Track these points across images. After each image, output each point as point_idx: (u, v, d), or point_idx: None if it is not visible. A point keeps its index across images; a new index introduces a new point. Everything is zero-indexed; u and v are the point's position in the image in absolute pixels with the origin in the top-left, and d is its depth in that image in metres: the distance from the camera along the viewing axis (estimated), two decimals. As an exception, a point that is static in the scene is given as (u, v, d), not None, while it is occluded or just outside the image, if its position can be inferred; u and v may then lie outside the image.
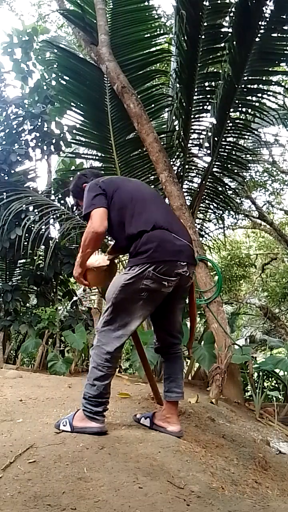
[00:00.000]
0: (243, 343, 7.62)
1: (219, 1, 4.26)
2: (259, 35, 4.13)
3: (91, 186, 2.30)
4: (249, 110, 4.88)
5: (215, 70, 4.82)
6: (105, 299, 2.18)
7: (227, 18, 4.27)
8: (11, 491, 1.44)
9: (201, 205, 5.43)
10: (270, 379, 6.14)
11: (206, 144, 4.92)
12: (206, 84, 4.77)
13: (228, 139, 5.08)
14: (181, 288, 2.19)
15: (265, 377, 5.48)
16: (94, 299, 7.20)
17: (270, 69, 4.80)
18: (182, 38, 4.24)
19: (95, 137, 5.39)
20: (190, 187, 5.61)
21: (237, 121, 5.09)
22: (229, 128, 4.93)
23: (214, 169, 5.17)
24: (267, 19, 4.07)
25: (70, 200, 5.71)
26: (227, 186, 5.58)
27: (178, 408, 2.56)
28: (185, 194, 5.05)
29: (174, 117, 5.19)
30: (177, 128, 5.09)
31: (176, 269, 2.08)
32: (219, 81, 4.50)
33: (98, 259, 2.37)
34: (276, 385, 5.95)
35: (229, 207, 5.67)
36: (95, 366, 2.06)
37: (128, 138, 5.19)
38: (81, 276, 2.34)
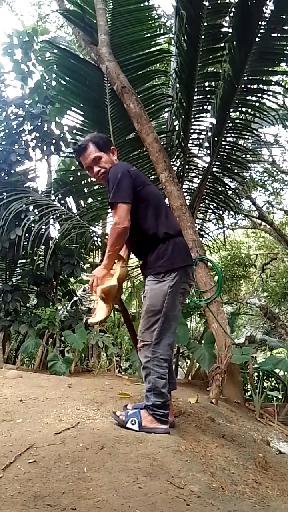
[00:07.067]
0: (241, 341, 7.61)
1: (219, 1, 4.26)
2: (259, 35, 4.13)
3: (124, 170, 2.22)
4: (249, 110, 4.89)
5: (215, 70, 4.81)
6: (145, 311, 2.17)
7: (227, 18, 4.28)
8: (11, 491, 1.44)
9: (201, 205, 5.43)
10: (270, 379, 6.14)
11: (206, 144, 4.92)
12: (206, 84, 4.77)
13: (228, 139, 5.08)
14: None
15: (265, 377, 5.48)
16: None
17: (270, 69, 4.80)
18: (182, 38, 4.24)
19: (95, 137, 5.38)
20: (190, 187, 5.60)
21: (237, 121, 5.09)
22: (229, 128, 4.92)
23: (214, 169, 5.17)
24: (267, 19, 4.07)
25: (70, 200, 5.70)
26: (227, 186, 5.58)
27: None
28: (185, 194, 5.05)
29: (174, 117, 5.19)
30: (177, 128, 5.08)
31: (193, 271, 2.36)
32: (219, 81, 4.50)
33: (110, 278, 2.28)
34: (276, 385, 5.95)
35: (229, 207, 5.66)
36: (158, 376, 2.11)
37: (128, 138, 5.19)
38: (99, 282, 2.24)
